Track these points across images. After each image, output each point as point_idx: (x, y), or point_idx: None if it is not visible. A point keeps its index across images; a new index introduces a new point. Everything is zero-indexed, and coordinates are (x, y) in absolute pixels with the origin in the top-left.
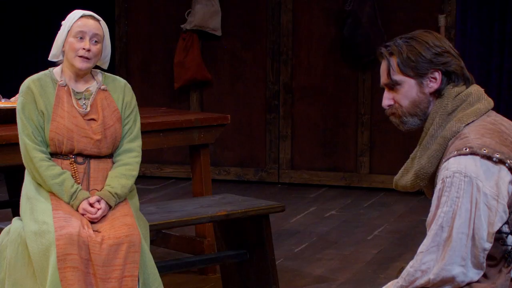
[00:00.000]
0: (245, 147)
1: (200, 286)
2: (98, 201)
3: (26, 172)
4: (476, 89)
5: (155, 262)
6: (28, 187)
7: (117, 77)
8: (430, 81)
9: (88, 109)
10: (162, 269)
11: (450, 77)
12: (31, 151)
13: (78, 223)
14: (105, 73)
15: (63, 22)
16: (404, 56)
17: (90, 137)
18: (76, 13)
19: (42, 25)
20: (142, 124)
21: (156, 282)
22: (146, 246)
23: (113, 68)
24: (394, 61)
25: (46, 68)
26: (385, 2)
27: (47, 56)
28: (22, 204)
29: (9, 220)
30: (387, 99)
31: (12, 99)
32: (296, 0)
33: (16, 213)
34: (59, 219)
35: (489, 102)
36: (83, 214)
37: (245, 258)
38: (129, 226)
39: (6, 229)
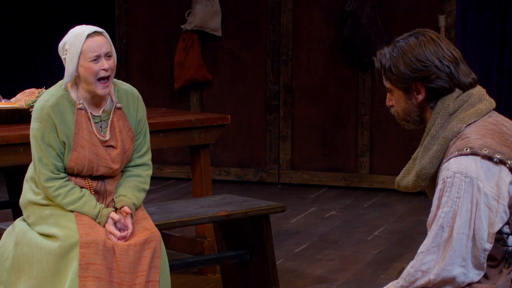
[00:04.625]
0: (245, 147)
1: (200, 286)
2: (126, 212)
3: (26, 178)
4: (478, 90)
5: None
6: (35, 193)
7: (128, 86)
8: (416, 92)
9: (108, 136)
10: None
11: (434, 91)
12: (46, 182)
13: (103, 229)
14: (115, 81)
15: (66, 47)
16: (386, 68)
17: (110, 166)
18: (80, 35)
19: (42, 25)
20: None
21: (168, 285)
22: (164, 249)
23: None
24: (382, 69)
25: (46, 70)
26: (385, 2)
27: (47, 56)
28: (28, 210)
29: (9, 221)
30: (388, 100)
31: (12, 99)
32: (296, 1)
33: (16, 213)
34: (84, 226)
35: (490, 102)
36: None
37: (245, 259)
38: (150, 231)
39: (8, 229)
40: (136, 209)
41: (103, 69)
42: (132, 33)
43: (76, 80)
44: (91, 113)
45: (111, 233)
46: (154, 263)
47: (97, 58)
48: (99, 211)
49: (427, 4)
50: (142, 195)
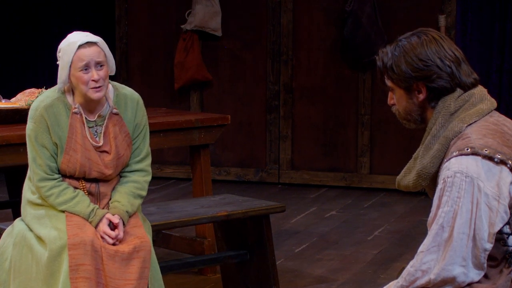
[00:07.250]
0: (245, 147)
1: (200, 286)
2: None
3: (27, 177)
4: (479, 90)
5: None
6: (33, 192)
7: (129, 90)
8: (417, 92)
9: (102, 142)
10: (163, 270)
11: (435, 90)
12: (40, 182)
13: (92, 230)
14: (117, 85)
15: (59, 54)
16: (388, 66)
17: (102, 172)
18: (73, 44)
19: (42, 25)
20: None
21: None
22: (155, 257)
23: None
24: (384, 68)
25: (46, 70)
26: (385, 2)
27: (47, 56)
28: (25, 208)
29: (9, 221)
30: (390, 99)
31: (12, 99)
32: (296, 1)
33: (16, 213)
34: (73, 226)
35: (492, 102)
36: (102, 238)
37: (245, 259)
38: (140, 239)
39: (7, 230)
40: (130, 216)
41: (93, 80)
42: (132, 33)
43: (72, 85)
44: (85, 118)
45: (105, 233)
46: (144, 273)
47: (86, 68)
48: (92, 210)
49: (427, 4)
50: (138, 202)
